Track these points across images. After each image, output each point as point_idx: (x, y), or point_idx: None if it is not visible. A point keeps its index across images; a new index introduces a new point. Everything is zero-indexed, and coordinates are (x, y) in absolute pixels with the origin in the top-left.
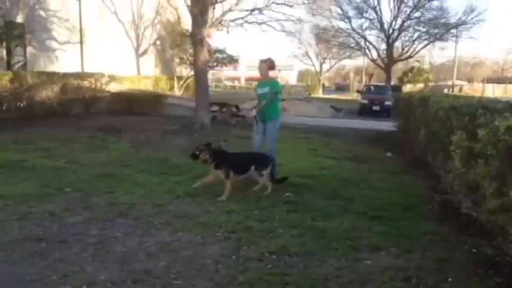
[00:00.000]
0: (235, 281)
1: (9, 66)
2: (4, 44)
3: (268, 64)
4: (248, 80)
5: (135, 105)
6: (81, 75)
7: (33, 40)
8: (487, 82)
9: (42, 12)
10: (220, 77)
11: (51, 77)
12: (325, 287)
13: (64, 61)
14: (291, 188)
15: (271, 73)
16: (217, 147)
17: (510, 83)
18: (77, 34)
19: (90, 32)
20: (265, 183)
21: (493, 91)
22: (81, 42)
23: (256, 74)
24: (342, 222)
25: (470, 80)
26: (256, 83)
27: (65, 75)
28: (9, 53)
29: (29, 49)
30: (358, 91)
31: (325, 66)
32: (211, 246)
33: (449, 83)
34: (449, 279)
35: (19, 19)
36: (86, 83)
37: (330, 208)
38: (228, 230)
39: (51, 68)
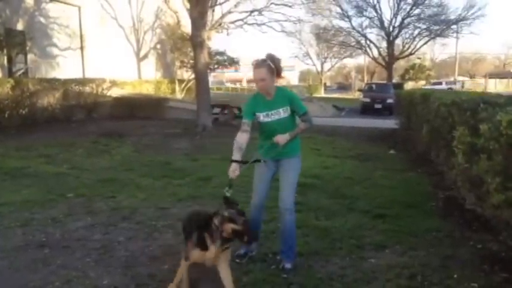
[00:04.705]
0: (240, 283)
1: (10, 73)
2: (5, 52)
3: (275, 65)
4: (250, 81)
5: (137, 110)
6: (82, 81)
7: (34, 47)
8: (489, 77)
9: (42, 19)
10: (222, 79)
11: (53, 83)
12: (329, 287)
13: (65, 67)
14: None
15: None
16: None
17: None
18: (78, 40)
19: (91, 37)
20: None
21: (496, 86)
22: (81, 48)
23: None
24: (346, 221)
25: (472, 76)
26: (245, 100)
27: (66, 81)
28: (10, 60)
29: (30, 56)
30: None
31: (327, 66)
32: None
33: (451, 79)
34: (455, 276)
35: (19, 26)
36: (87, 89)
37: (333, 207)
38: None
39: (53, 74)
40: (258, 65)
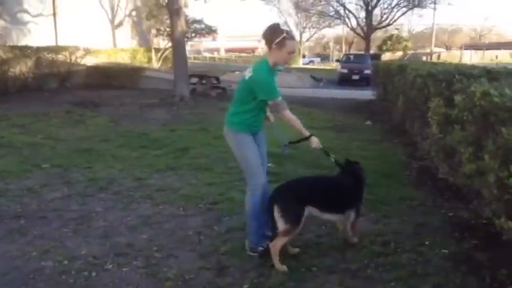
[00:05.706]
0: (218, 251)
1: None
2: None
3: None
4: (228, 50)
5: (112, 79)
6: (55, 49)
7: (4, 13)
8: (465, 49)
9: None
10: (200, 48)
11: (25, 51)
12: (306, 254)
13: (37, 34)
14: (272, 158)
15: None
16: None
17: (487, 49)
18: (50, 6)
19: (63, 3)
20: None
21: (471, 58)
22: (54, 15)
23: (235, 44)
24: None
25: (448, 47)
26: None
27: (39, 49)
28: None
29: (0, 22)
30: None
31: (305, 36)
32: (193, 218)
33: (428, 50)
34: (427, 243)
35: None
36: (60, 57)
37: None
38: (210, 202)
39: (24, 42)
40: (291, 37)
